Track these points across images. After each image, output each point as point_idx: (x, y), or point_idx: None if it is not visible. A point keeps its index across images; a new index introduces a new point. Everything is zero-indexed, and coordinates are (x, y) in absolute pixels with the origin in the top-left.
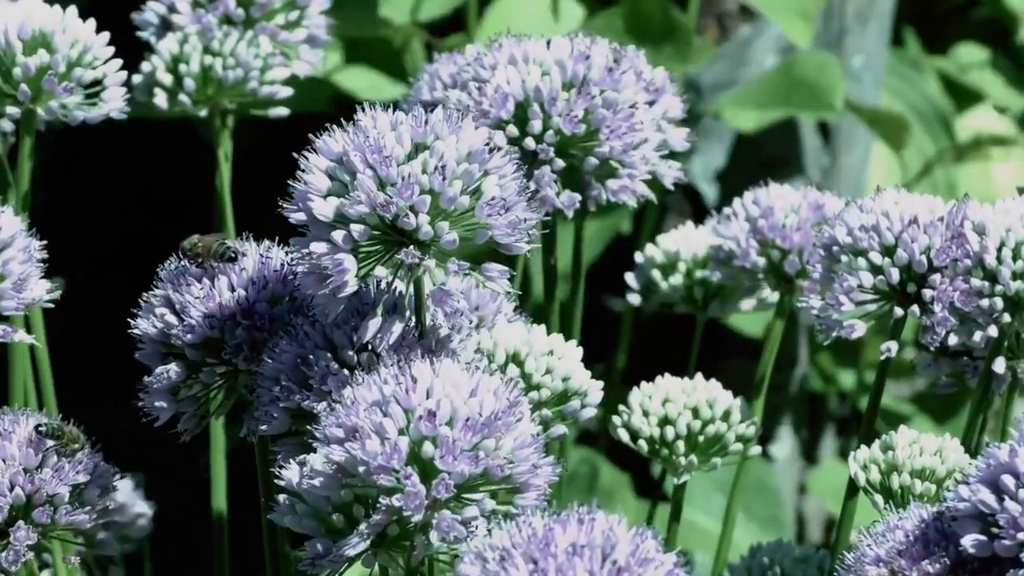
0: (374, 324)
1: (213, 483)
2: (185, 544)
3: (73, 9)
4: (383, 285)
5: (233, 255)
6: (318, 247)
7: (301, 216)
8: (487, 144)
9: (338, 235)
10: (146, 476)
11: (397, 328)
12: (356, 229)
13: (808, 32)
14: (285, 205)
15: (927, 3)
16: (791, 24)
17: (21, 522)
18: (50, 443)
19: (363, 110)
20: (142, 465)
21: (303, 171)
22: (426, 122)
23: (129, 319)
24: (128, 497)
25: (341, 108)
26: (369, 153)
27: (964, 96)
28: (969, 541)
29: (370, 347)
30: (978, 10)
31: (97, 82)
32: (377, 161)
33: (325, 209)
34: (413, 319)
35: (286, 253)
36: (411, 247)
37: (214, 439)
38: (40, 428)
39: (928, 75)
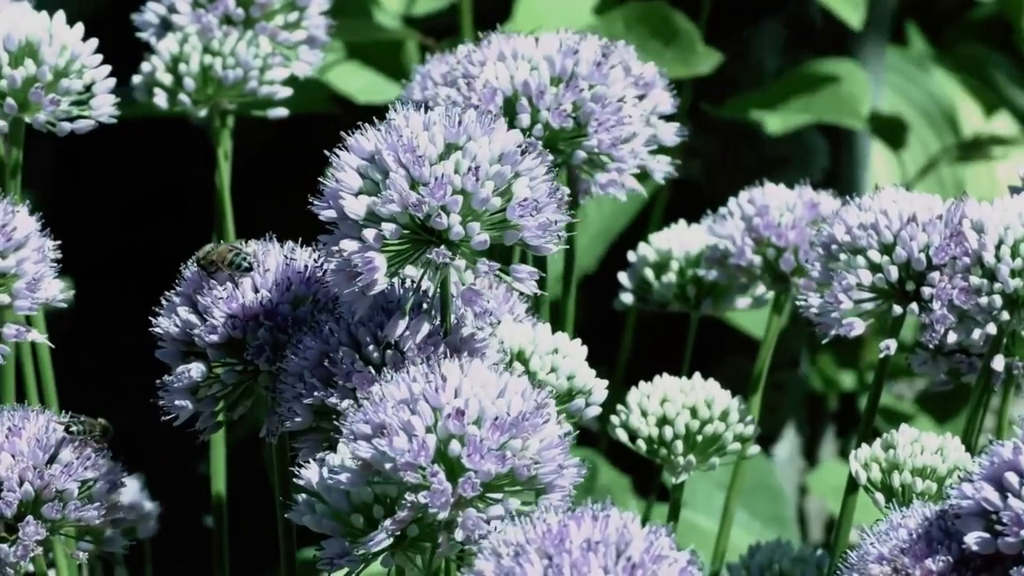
0: (402, 323)
1: (213, 479)
2: (186, 544)
3: (61, 15)
4: (408, 283)
5: (248, 265)
6: (349, 245)
7: (331, 213)
8: (519, 146)
9: (369, 234)
10: (146, 477)
11: (425, 328)
12: (387, 228)
13: (859, 13)
14: (315, 202)
15: (927, 3)
16: (842, 5)
17: (30, 517)
18: (75, 430)
19: (394, 109)
20: (141, 466)
21: (334, 168)
22: (459, 122)
23: (129, 320)
24: (135, 497)
25: (346, 108)
26: (402, 152)
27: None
28: (972, 539)
29: (395, 345)
30: (978, 10)
31: (86, 88)
32: (410, 160)
33: (356, 207)
34: (438, 318)
35: (309, 255)
36: (441, 247)
37: (214, 436)
38: (69, 426)
39: (933, 72)
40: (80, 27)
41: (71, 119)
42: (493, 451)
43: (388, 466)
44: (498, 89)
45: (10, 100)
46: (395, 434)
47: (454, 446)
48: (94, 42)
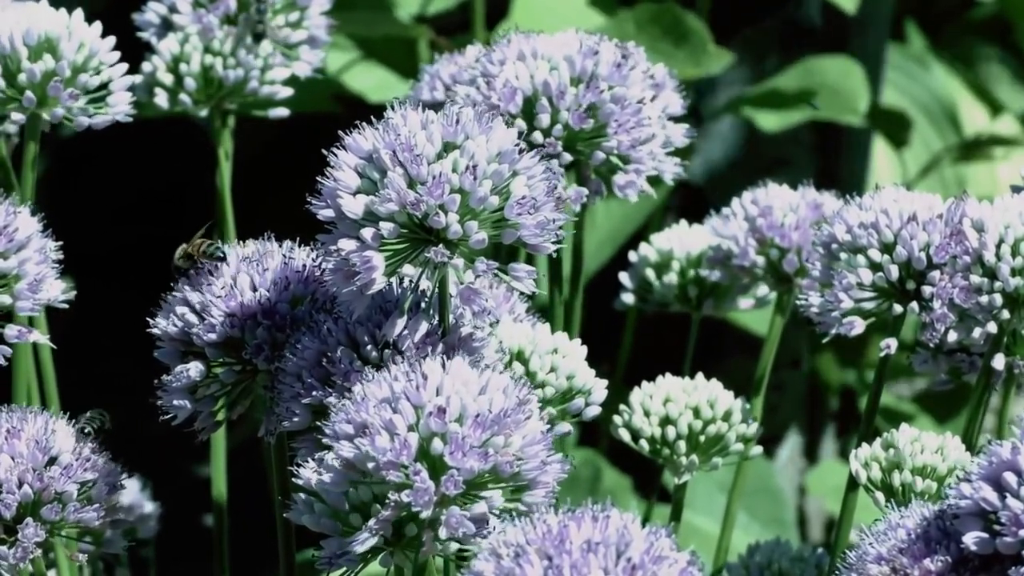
0: (400, 322)
1: (213, 479)
2: (186, 544)
3: (79, 13)
4: (407, 283)
5: (223, 255)
6: (347, 244)
7: (329, 213)
8: (516, 144)
9: (367, 233)
10: (146, 478)
11: (423, 327)
12: (385, 227)
13: None
14: (313, 201)
15: (926, 2)
16: None
17: (29, 519)
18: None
19: (392, 108)
20: (142, 466)
21: (332, 168)
22: (457, 121)
23: (129, 320)
24: (135, 498)
25: (348, 107)
26: (400, 151)
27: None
28: (971, 538)
29: (394, 344)
30: (977, 9)
31: (103, 86)
32: (408, 159)
33: (354, 206)
34: (436, 317)
35: (308, 254)
36: (439, 246)
37: (215, 436)
38: (83, 429)
39: (934, 70)
40: (98, 25)
41: (88, 116)
42: (475, 448)
43: (370, 465)
44: (518, 89)
45: (29, 94)
46: (377, 433)
47: (436, 444)
48: (112, 40)
